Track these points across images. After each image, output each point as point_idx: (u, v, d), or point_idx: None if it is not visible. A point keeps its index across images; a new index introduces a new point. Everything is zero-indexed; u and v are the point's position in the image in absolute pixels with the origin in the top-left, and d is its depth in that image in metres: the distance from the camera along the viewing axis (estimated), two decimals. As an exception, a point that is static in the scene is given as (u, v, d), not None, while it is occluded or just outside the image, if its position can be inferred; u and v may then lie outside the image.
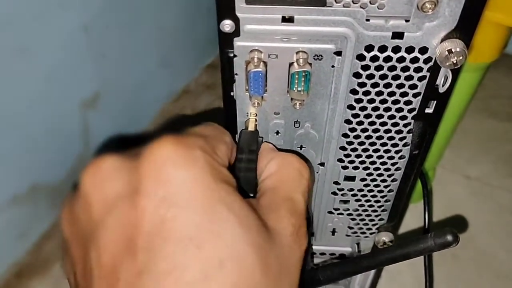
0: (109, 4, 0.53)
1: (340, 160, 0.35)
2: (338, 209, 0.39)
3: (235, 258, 0.20)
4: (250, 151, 0.31)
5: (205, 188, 0.22)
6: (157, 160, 0.22)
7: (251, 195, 0.30)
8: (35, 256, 0.57)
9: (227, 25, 0.27)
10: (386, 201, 0.38)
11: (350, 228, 0.41)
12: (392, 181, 0.36)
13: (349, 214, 0.40)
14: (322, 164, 0.35)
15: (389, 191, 0.37)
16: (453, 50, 0.27)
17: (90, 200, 0.23)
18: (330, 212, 0.40)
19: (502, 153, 0.70)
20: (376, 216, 0.39)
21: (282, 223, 0.25)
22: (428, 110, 0.31)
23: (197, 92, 0.74)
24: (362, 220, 0.40)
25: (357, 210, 0.39)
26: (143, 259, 0.20)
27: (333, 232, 0.42)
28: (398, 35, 0.27)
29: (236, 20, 0.27)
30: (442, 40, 0.27)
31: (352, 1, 0.26)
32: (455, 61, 0.27)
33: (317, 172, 0.36)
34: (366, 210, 0.39)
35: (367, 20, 0.26)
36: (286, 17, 0.27)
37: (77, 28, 0.51)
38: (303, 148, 0.34)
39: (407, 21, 0.26)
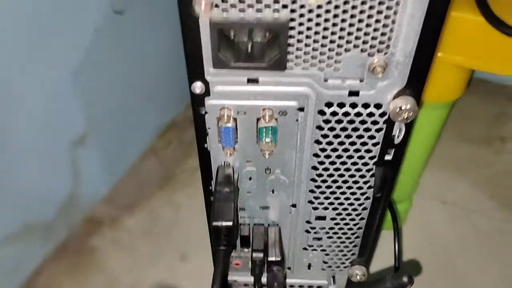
0: (96, 47, 0.56)
1: (310, 202, 0.37)
2: (312, 246, 0.41)
3: None
4: (227, 183, 0.33)
5: None
6: None
7: (230, 223, 0.31)
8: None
9: (198, 87, 0.29)
10: (356, 237, 0.40)
11: (325, 262, 0.43)
12: (360, 219, 0.38)
13: (322, 250, 0.42)
14: (294, 206, 0.38)
15: (358, 228, 0.39)
16: (403, 107, 0.29)
17: None
18: (305, 249, 0.42)
19: (478, 177, 0.73)
20: (348, 251, 0.42)
21: None
22: (388, 157, 0.33)
23: (183, 126, 0.76)
24: (335, 255, 0.42)
25: (330, 246, 0.41)
26: None
27: (309, 266, 0.44)
28: (354, 93, 0.29)
29: (205, 83, 0.29)
30: (394, 98, 0.29)
31: (311, 65, 0.28)
32: (406, 117, 0.30)
33: (290, 213, 0.38)
34: (338, 246, 0.41)
35: (325, 80, 0.29)
36: (251, 79, 0.29)
37: (66, 72, 0.53)
38: (274, 192, 0.36)
39: (361, 81, 0.29)
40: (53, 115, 0.54)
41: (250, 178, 0.35)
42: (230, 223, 0.31)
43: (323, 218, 0.38)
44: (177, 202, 0.67)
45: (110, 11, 0.57)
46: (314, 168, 0.34)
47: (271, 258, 0.38)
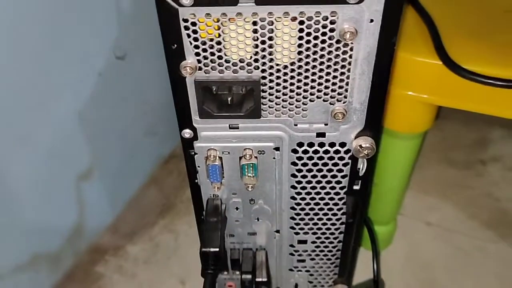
0: (100, 88, 0.61)
1: (292, 228, 0.42)
2: (297, 267, 0.46)
3: None
4: (215, 214, 0.38)
5: None
6: None
7: (216, 249, 0.36)
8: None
9: (187, 133, 0.34)
10: (335, 258, 0.45)
11: (310, 282, 0.48)
12: (338, 242, 0.43)
13: (307, 271, 0.46)
14: (277, 231, 0.42)
15: (337, 250, 0.44)
16: (363, 146, 0.34)
17: None
18: (291, 270, 0.46)
19: (460, 199, 0.77)
20: (330, 271, 0.46)
21: None
22: (356, 187, 0.38)
23: (182, 157, 0.80)
24: (319, 275, 0.47)
25: (313, 267, 0.46)
26: None
27: (296, 286, 0.48)
28: (321, 134, 0.34)
29: (193, 129, 0.34)
30: (355, 137, 0.34)
31: (282, 113, 0.33)
32: (366, 153, 0.35)
33: (275, 238, 0.43)
34: (321, 267, 0.46)
35: (295, 125, 0.34)
36: (233, 126, 0.34)
37: (71, 113, 0.58)
38: (259, 220, 0.41)
39: (326, 124, 0.34)
40: (60, 151, 0.59)
41: (237, 208, 0.40)
42: (217, 249, 0.35)
43: (304, 242, 0.43)
44: (176, 230, 0.72)
45: (112, 56, 0.63)
46: (293, 198, 0.39)
47: (258, 279, 0.42)
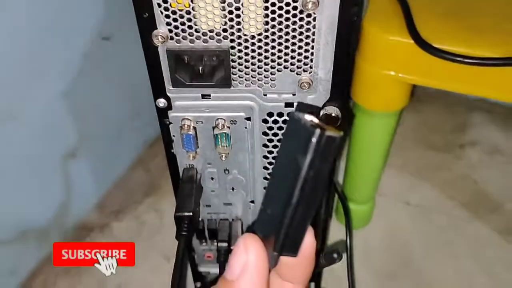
0: (86, 68, 0.62)
1: (266, 198, 0.43)
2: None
3: None
4: (190, 182, 0.40)
5: None
6: None
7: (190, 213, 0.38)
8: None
9: (161, 102, 0.36)
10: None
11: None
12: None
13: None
14: (252, 202, 0.44)
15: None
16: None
17: None
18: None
19: (439, 181, 0.79)
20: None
21: None
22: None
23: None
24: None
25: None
26: None
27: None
28: (289, 104, 0.36)
29: (167, 98, 0.36)
30: (322, 107, 0.36)
31: (251, 83, 0.35)
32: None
33: (250, 208, 0.45)
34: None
35: (265, 95, 0.36)
36: (205, 95, 0.36)
37: (57, 93, 0.60)
38: (234, 190, 0.43)
39: (294, 95, 0.35)
40: (45, 130, 0.60)
41: (212, 178, 0.42)
42: (190, 214, 0.37)
43: (278, 212, 0.45)
44: (161, 209, 0.74)
45: (98, 38, 0.64)
46: (265, 168, 0.41)
47: (233, 247, 0.44)
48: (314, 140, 0.18)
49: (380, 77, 0.51)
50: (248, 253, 0.20)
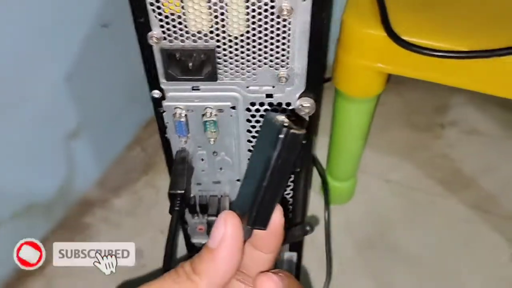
0: (85, 54, 0.67)
1: (251, 177, 0.48)
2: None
3: None
4: (182, 163, 0.45)
5: None
6: None
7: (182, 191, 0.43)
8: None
9: (156, 93, 0.41)
10: (289, 204, 0.51)
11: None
12: (290, 190, 0.50)
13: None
14: (238, 180, 0.49)
15: (290, 197, 0.51)
16: (304, 105, 0.40)
17: None
18: (252, 215, 0.53)
19: (420, 159, 0.84)
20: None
21: None
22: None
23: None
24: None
25: (271, 212, 0.53)
26: None
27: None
28: (269, 95, 0.41)
29: (161, 90, 0.40)
30: (298, 98, 0.41)
31: (235, 77, 0.39)
32: (307, 111, 0.41)
33: (236, 186, 0.50)
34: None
35: (247, 87, 0.40)
36: (194, 87, 0.40)
37: (59, 77, 0.64)
38: (222, 169, 0.48)
39: (273, 87, 0.40)
40: (48, 111, 0.65)
41: (202, 159, 0.47)
42: (183, 191, 0.42)
43: (262, 190, 0.50)
44: (157, 185, 0.79)
45: (97, 25, 0.68)
46: (249, 150, 0.46)
47: (222, 221, 0.49)
48: (281, 136, 0.22)
49: (358, 67, 0.55)
50: (227, 226, 0.24)
